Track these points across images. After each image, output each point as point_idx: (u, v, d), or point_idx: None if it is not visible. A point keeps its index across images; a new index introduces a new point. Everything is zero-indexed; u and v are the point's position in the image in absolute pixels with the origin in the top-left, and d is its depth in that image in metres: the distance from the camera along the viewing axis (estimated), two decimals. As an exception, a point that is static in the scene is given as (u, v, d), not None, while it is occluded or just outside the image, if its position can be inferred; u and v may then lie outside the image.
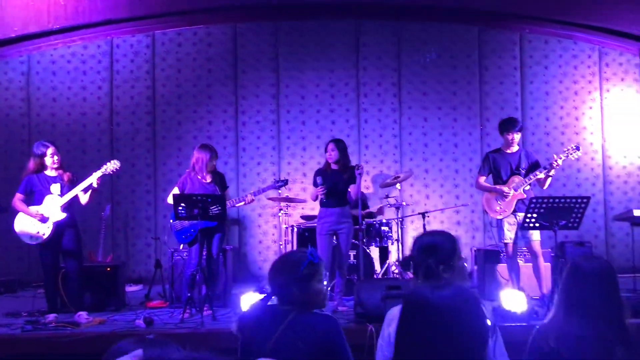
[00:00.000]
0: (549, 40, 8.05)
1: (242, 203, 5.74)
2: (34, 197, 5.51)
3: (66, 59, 7.98)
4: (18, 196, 5.50)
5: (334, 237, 5.70)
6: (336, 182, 5.67)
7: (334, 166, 5.72)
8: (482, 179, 5.80)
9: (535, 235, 5.46)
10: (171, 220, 5.70)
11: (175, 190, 5.68)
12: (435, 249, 2.45)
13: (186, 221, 5.51)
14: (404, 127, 8.03)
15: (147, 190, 7.98)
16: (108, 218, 7.48)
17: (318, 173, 5.81)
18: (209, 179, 5.65)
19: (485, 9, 7.86)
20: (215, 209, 5.20)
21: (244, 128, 8.00)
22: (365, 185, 7.90)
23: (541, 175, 5.45)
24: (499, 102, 8.03)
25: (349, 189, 5.70)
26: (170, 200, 5.51)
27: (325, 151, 5.77)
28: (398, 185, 7.12)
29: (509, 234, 5.54)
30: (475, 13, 7.99)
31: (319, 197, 5.69)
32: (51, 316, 5.15)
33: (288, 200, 7.09)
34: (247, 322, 2.52)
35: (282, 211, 7.28)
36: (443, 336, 1.49)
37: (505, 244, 5.61)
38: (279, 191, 6.96)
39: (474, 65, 8.05)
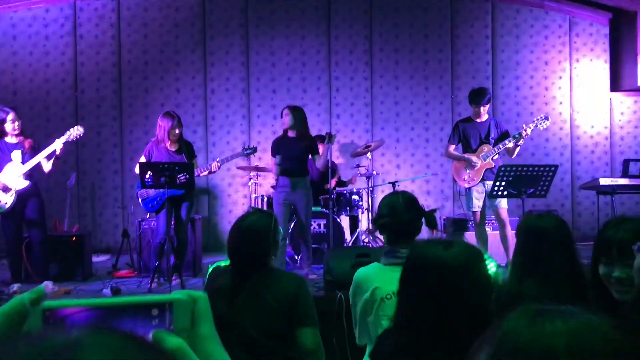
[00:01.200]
0: (521, 10, 8.04)
1: (207, 172, 5.63)
2: None
3: (27, 22, 7.69)
4: None
5: (292, 207, 5.61)
6: (293, 150, 5.56)
7: (291, 134, 5.59)
8: (452, 148, 5.81)
9: (503, 203, 5.51)
10: (138, 190, 5.59)
11: (142, 159, 5.55)
12: (416, 203, 2.53)
13: (153, 189, 5.40)
14: (376, 96, 7.98)
15: (114, 159, 7.82)
16: (73, 187, 7.32)
17: (274, 142, 5.71)
18: (175, 148, 5.53)
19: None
20: (183, 177, 5.11)
21: (213, 96, 7.86)
22: (336, 154, 7.86)
23: (510, 145, 5.49)
24: (471, 71, 8.02)
25: (316, 160, 5.64)
26: (137, 169, 5.39)
27: (282, 117, 5.64)
28: (369, 155, 7.10)
29: (477, 202, 5.59)
30: (447, -20, 7.93)
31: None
32: (15, 286, 5.04)
33: (258, 169, 7.01)
34: (215, 279, 2.56)
35: (252, 180, 7.20)
36: (454, 293, 1.47)
37: (474, 212, 5.66)
38: (250, 160, 6.89)
39: (445, 34, 8.00)
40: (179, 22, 7.84)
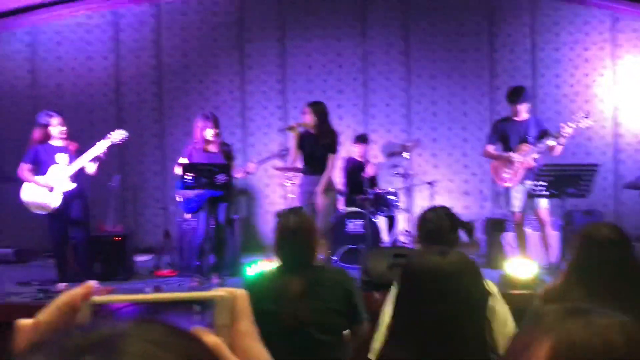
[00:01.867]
0: (560, 7, 7.88)
1: (244, 173, 5.72)
2: (40, 167, 5.45)
3: (71, 29, 7.93)
4: (24, 166, 5.43)
5: (313, 205, 5.60)
6: (313, 147, 5.55)
7: (311, 130, 5.58)
8: (491, 148, 5.75)
9: (543, 203, 5.42)
10: (178, 190, 5.70)
11: (182, 160, 5.66)
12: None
13: (193, 190, 5.51)
14: (412, 96, 7.95)
15: (155, 161, 7.99)
16: (116, 188, 7.50)
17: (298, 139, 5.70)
18: (213, 149, 5.62)
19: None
20: (222, 178, 5.20)
21: (251, 98, 7.95)
22: (373, 154, 7.85)
23: (552, 143, 5.39)
24: (509, 70, 7.91)
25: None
26: (177, 170, 5.50)
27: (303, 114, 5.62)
28: (406, 155, 7.07)
29: (517, 202, 5.51)
30: (485, -22, 7.84)
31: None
32: (61, 285, 5.22)
33: (295, 170, 7.05)
34: (257, 282, 2.62)
35: (288, 181, 7.24)
36: (448, 299, 1.49)
37: (513, 212, 5.59)
38: (286, 161, 6.94)
39: (483, 32, 7.91)
40: (216, 25, 7.96)
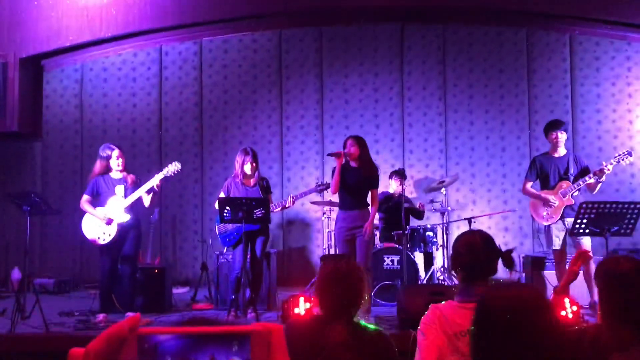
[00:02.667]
0: (601, 42, 7.81)
1: (281, 207, 5.77)
2: (100, 198, 5.55)
3: (117, 66, 8.24)
4: (85, 198, 5.54)
5: (353, 242, 5.47)
6: (356, 181, 5.51)
7: (353, 164, 5.55)
8: (529, 184, 5.67)
9: (586, 242, 5.29)
10: (216, 224, 5.78)
11: (222, 195, 5.75)
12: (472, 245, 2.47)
13: (230, 224, 5.57)
14: (450, 130, 7.93)
15: (194, 194, 8.14)
16: (156, 221, 7.65)
17: (334, 172, 5.60)
18: (252, 183, 5.70)
19: (533, 10, 7.72)
20: (259, 212, 5.25)
21: (288, 133, 8.07)
22: (410, 190, 7.83)
23: (591, 181, 5.30)
24: (548, 105, 7.83)
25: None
26: (217, 205, 5.56)
27: (344, 148, 5.55)
28: (443, 190, 7.04)
29: (558, 240, 5.40)
30: (522, 14, 7.86)
31: (336, 180, 5.43)
32: (101, 316, 5.30)
33: (331, 204, 7.08)
34: (297, 329, 2.50)
35: (325, 215, 7.28)
36: (527, 333, 1.48)
37: (554, 251, 5.47)
38: (323, 195, 6.99)
39: (522, 68, 7.88)
40: (256, 62, 8.15)
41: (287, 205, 5.76)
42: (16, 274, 6.87)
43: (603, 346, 2.03)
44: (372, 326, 2.58)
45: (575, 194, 5.40)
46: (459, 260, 2.50)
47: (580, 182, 5.33)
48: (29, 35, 7.81)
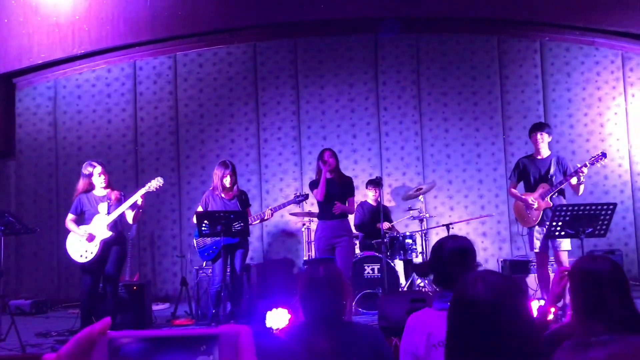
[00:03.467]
0: (570, 47, 7.98)
1: (260, 220, 5.77)
2: (84, 216, 5.50)
3: (91, 82, 8.17)
4: (69, 217, 5.49)
5: (333, 252, 5.58)
6: (334, 191, 5.59)
7: (329, 175, 5.64)
8: (512, 185, 5.76)
9: (564, 245, 5.33)
10: (194, 239, 5.75)
11: (200, 209, 5.72)
12: (465, 253, 2.45)
13: (209, 238, 5.55)
14: (426, 138, 8.01)
15: (172, 209, 8.08)
16: (134, 237, 7.57)
17: (313, 184, 5.74)
18: (230, 196, 5.69)
19: (504, 18, 7.86)
20: (238, 225, 5.23)
21: (266, 145, 8.07)
22: (388, 198, 7.88)
23: (574, 182, 5.36)
24: (521, 111, 7.96)
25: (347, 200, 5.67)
26: (195, 219, 5.54)
27: (321, 159, 5.66)
28: (421, 197, 7.09)
29: (538, 242, 5.45)
30: (493, 22, 8.00)
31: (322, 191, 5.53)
32: (80, 335, 5.20)
33: (311, 215, 7.10)
34: (281, 344, 2.48)
35: (304, 226, 7.28)
36: (494, 330, 1.45)
37: (536, 254, 5.53)
38: (303, 206, 7.00)
39: (494, 75, 8.01)
40: (232, 75, 8.15)
41: (265, 218, 5.76)
42: (-9, 296, 6.73)
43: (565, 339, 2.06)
44: (363, 325, 2.59)
45: (554, 196, 5.46)
46: (425, 267, 2.52)
47: (557, 185, 5.40)
48: (0, 53, 7.71)
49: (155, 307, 7.03)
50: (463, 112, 8.00)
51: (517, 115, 7.95)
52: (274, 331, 4.48)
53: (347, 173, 7.46)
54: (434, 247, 2.58)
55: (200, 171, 8.05)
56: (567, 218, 4.83)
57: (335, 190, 5.61)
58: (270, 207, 5.81)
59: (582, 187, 5.41)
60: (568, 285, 2.29)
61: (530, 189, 5.60)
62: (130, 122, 8.16)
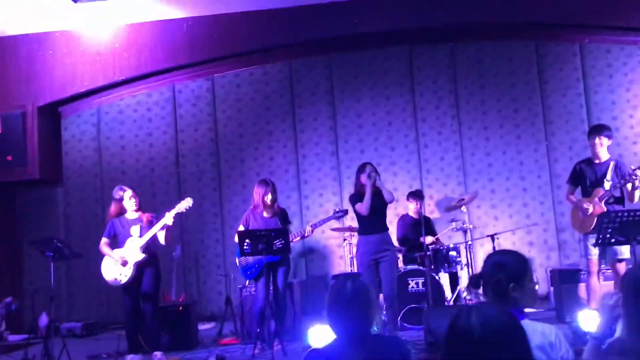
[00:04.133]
0: (611, 49, 7.76)
1: (300, 237, 5.77)
2: (118, 240, 5.66)
3: (132, 107, 8.38)
4: (103, 240, 5.67)
5: (376, 267, 5.47)
6: (375, 205, 5.50)
7: (369, 189, 5.54)
8: (569, 189, 5.61)
9: (623, 254, 5.13)
10: (237, 257, 5.79)
11: (241, 228, 5.76)
12: (504, 266, 2.38)
13: (251, 257, 5.58)
14: (466, 148, 7.89)
15: (215, 229, 8.17)
16: (179, 258, 7.68)
17: (355, 198, 5.62)
18: (270, 214, 5.72)
19: (541, 22, 7.72)
20: (279, 242, 5.25)
21: (305, 161, 8.10)
22: (430, 210, 7.78)
23: (628, 187, 5.18)
24: (564, 115, 7.77)
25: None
26: (236, 238, 5.58)
27: (361, 173, 5.59)
28: (463, 208, 6.98)
29: (593, 249, 5.27)
30: (531, 27, 7.86)
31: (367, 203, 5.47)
32: (129, 357, 5.30)
33: (351, 230, 7.06)
34: (315, 357, 2.48)
35: (346, 241, 7.25)
36: None
37: (588, 260, 5.34)
38: (343, 221, 6.97)
39: (533, 80, 7.85)
40: (268, 94, 8.24)
41: (306, 235, 5.77)
42: (43, 320, 6.92)
43: (627, 354, 1.99)
44: (391, 338, 2.56)
45: (610, 202, 5.28)
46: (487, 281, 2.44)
47: (612, 189, 5.22)
48: (46, 84, 8.00)
49: (201, 327, 7.12)
50: (503, 119, 7.86)
51: (559, 120, 7.76)
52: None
53: (387, 186, 7.45)
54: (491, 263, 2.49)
55: (241, 189, 8.13)
56: (617, 224, 4.67)
57: (376, 202, 5.54)
58: (310, 224, 5.81)
59: (637, 193, 5.19)
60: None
61: (586, 193, 5.44)
62: (171, 145, 8.32)
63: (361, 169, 5.66)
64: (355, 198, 5.60)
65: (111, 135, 8.40)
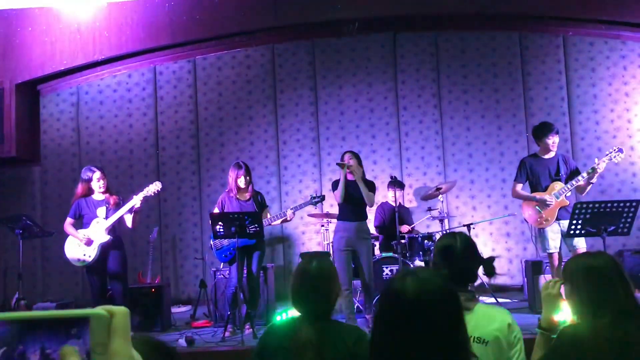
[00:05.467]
0: (595, 42, 7.76)
1: (281, 220, 5.74)
2: (83, 220, 5.64)
3: (112, 88, 8.28)
4: (68, 220, 5.64)
5: (353, 255, 5.50)
6: (354, 193, 5.50)
7: (350, 177, 5.54)
8: (519, 187, 5.60)
9: (581, 244, 5.21)
10: (211, 240, 5.75)
11: (215, 210, 5.74)
12: (451, 249, 2.38)
13: (226, 240, 5.55)
14: (447, 137, 7.88)
15: (193, 212, 8.12)
16: (156, 240, 7.64)
17: (335, 185, 5.63)
18: (246, 197, 5.69)
19: (525, 13, 7.70)
20: (253, 227, 5.22)
21: (285, 147, 8.05)
22: (408, 199, 7.78)
23: (580, 182, 5.24)
24: (545, 108, 7.77)
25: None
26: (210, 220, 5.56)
27: (342, 161, 5.58)
28: (441, 197, 6.98)
29: (553, 242, 5.31)
30: (514, 18, 7.84)
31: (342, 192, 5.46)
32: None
33: (329, 216, 7.05)
34: (272, 332, 2.50)
35: (323, 227, 7.24)
36: (416, 328, 1.38)
37: (550, 254, 5.38)
38: (322, 207, 6.94)
39: (516, 71, 7.84)
40: (250, 78, 8.16)
41: (288, 219, 5.73)
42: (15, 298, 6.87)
43: (581, 343, 1.99)
44: (350, 325, 2.56)
45: (567, 195, 5.33)
46: (437, 264, 2.45)
47: (574, 182, 5.26)
48: (24, 61, 7.87)
49: (177, 310, 7.10)
50: (485, 110, 7.85)
51: (541, 112, 7.76)
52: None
53: (367, 174, 7.42)
54: (441, 248, 2.48)
55: (220, 174, 8.07)
56: (588, 216, 4.69)
57: (355, 191, 5.52)
58: (291, 208, 5.78)
59: (588, 188, 5.31)
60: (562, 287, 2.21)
61: (539, 189, 5.45)
62: (151, 126, 8.24)
63: (341, 158, 5.66)
64: (336, 184, 5.60)
65: (90, 115, 8.30)
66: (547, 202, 5.31)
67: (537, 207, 5.41)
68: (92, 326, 0.65)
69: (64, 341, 0.64)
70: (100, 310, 0.67)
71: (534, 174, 5.49)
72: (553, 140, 5.42)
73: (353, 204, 5.51)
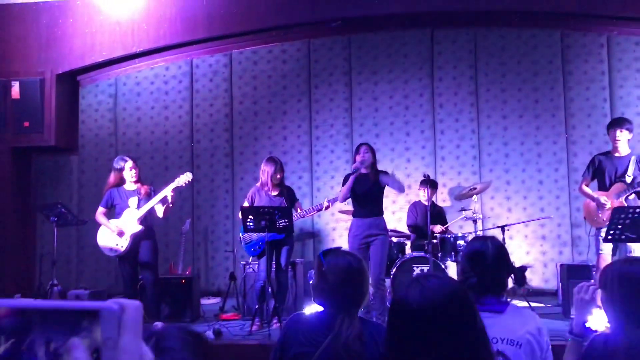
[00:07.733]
0: (640, 41, 7.51)
1: (315, 212, 5.73)
2: (115, 210, 5.71)
3: (149, 80, 8.37)
4: (100, 210, 5.71)
5: (367, 250, 5.33)
6: (368, 188, 5.36)
7: (364, 171, 5.39)
8: (585, 183, 5.44)
9: (636, 247, 5.01)
10: (240, 234, 5.77)
11: (245, 204, 5.74)
12: (482, 256, 2.30)
13: (255, 234, 5.56)
14: (483, 136, 7.74)
15: (225, 205, 8.17)
16: (188, 232, 7.70)
17: (346, 179, 5.48)
18: (276, 192, 5.68)
19: (567, 11, 7.48)
20: (282, 221, 5.21)
21: (318, 142, 8.02)
22: (442, 198, 7.67)
23: None
24: (586, 109, 7.55)
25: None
26: (240, 214, 5.57)
27: (357, 154, 5.44)
28: (475, 197, 6.85)
29: (606, 245, 5.13)
30: (556, 16, 7.63)
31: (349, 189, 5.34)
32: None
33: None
34: (294, 322, 2.45)
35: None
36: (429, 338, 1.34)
37: (599, 255, 5.21)
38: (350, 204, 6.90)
39: (556, 70, 7.63)
40: (286, 73, 8.16)
41: (324, 208, 5.64)
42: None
43: (613, 352, 1.91)
44: (379, 324, 2.53)
45: (630, 197, 5.13)
46: (466, 271, 2.37)
47: (636, 185, 5.07)
48: (65, 52, 8.03)
49: (207, 301, 7.15)
50: (523, 110, 7.68)
51: (581, 113, 7.55)
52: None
53: (400, 172, 7.33)
54: (471, 255, 2.40)
55: (253, 168, 8.09)
56: (627, 221, 4.52)
57: (368, 186, 5.37)
58: (327, 199, 5.74)
59: None
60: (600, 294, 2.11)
61: (604, 187, 5.28)
62: (186, 119, 8.32)
63: (356, 150, 5.52)
64: (346, 179, 5.48)
65: (127, 106, 8.42)
66: (603, 203, 5.14)
67: (596, 207, 5.25)
68: (102, 320, 0.63)
69: (73, 334, 0.62)
70: (111, 304, 0.65)
71: (601, 172, 5.31)
72: (615, 135, 5.23)
73: (365, 199, 5.38)
